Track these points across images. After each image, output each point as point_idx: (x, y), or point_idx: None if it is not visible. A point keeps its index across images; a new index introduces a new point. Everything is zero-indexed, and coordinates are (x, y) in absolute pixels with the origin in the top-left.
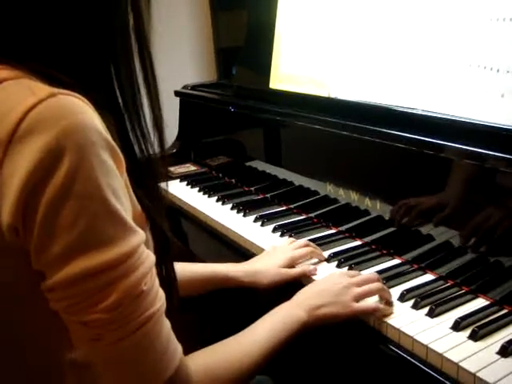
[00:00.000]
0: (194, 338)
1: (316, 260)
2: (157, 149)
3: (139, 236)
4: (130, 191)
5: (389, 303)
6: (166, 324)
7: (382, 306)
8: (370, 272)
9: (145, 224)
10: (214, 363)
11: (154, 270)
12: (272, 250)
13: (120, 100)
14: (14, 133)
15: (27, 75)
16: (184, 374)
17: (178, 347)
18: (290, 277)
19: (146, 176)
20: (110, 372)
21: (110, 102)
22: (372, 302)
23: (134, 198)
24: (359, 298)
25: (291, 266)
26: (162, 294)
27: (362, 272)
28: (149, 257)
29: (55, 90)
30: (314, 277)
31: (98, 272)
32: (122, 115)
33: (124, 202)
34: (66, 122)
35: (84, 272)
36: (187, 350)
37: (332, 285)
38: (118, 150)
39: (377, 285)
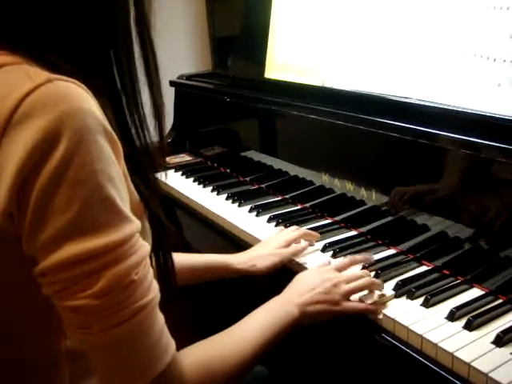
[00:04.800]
0: (189, 325)
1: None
2: (155, 137)
3: (133, 225)
4: (127, 179)
5: (381, 295)
6: (160, 318)
7: (371, 308)
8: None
9: (143, 212)
10: (207, 359)
11: (148, 261)
12: (264, 241)
13: (119, 86)
14: (11, 118)
15: (26, 61)
16: (177, 369)
17: (171, 342)
18: (285, 256)
19: (143, 163)
20: (98, 362)
21: (109, 88)
22: (363, 302)
23: (132, 186)
24: (349, 295)
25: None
26: (155, 285)
27: None
28: (143, 247)
29: (52, 75)
30: (306, 265)
31: (88, 258)
32: (120, 102)
33: (120, 189)
34: (62, 108)
35: (74, 257)
36: (181, 337)
37: (321, 282)
38: (116, 137)
39: (365, 280)
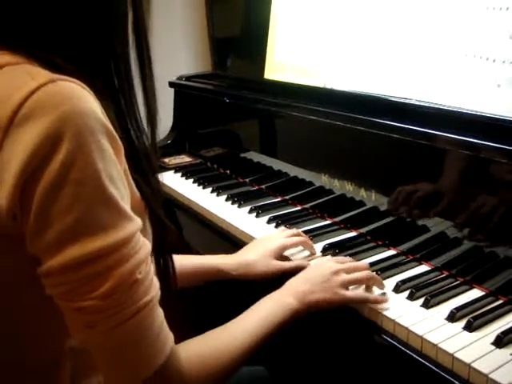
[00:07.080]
0: (189, 325)
1: (308, 253)
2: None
3: (135, 223)
4: (129, 178)
5: (381, 292)
6: (159, 313)
7: (371, 297)
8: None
9: (144, 211)
10: (204, 351)
11: (150, 259)
12: (263, 239)
13: (117, 87)
14: (13, 118)
15: (28, 61)
16: (175, 362)
17: (169, 336)
18: (282, 270)
19: (143, 162)
20: (102, 359)
21: (109, 88)
22: (362, 291)
23: (133, 185)
24: (348, 284)
25: (282, 254)
26: (156, 282)
27: None
28: (145, 245)
29: (55, 75)
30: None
31: (93, 258)
32: (120, 103)
33: (121, 188)
34: (64, 108)
35: (79, 258)
36: (182, 338)
37: (321, 271)
38: (117, 137)
39: (366, 273)
